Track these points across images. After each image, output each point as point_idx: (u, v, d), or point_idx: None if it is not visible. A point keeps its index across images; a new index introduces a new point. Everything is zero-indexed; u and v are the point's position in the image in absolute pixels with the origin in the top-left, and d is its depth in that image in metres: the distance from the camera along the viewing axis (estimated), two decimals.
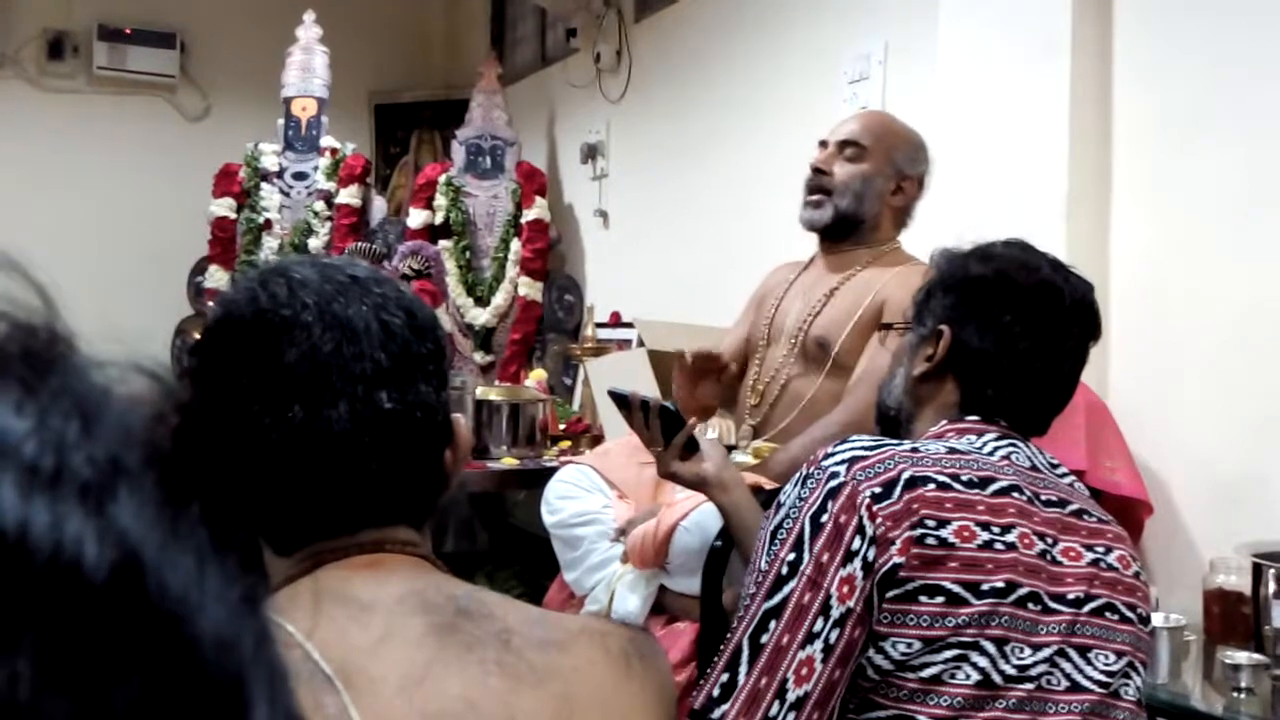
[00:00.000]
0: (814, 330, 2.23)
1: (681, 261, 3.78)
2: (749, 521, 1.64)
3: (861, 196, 2.21)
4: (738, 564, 1.83)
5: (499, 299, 4.40)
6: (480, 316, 4.41)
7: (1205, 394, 2.07)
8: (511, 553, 3.82)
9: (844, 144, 2.23)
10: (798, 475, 1.17)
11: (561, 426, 3.48)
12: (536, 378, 3.69)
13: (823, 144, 2.28)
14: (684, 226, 3.80)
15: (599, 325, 3.78)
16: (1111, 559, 1.19)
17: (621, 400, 1.78)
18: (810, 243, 2.34)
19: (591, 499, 2.28)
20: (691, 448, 1.71)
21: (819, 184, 2.23)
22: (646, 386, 2.68)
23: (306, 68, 4.56)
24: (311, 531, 0.81)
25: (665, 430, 1.72)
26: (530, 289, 4.36)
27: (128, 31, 4.97)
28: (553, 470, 2.54)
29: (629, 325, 3.78)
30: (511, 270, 4.39)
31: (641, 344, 3.25)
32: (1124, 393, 2.17)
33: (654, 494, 2.21)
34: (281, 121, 4.58)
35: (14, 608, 0.20)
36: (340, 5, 5.00)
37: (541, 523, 2.35)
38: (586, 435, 3.42)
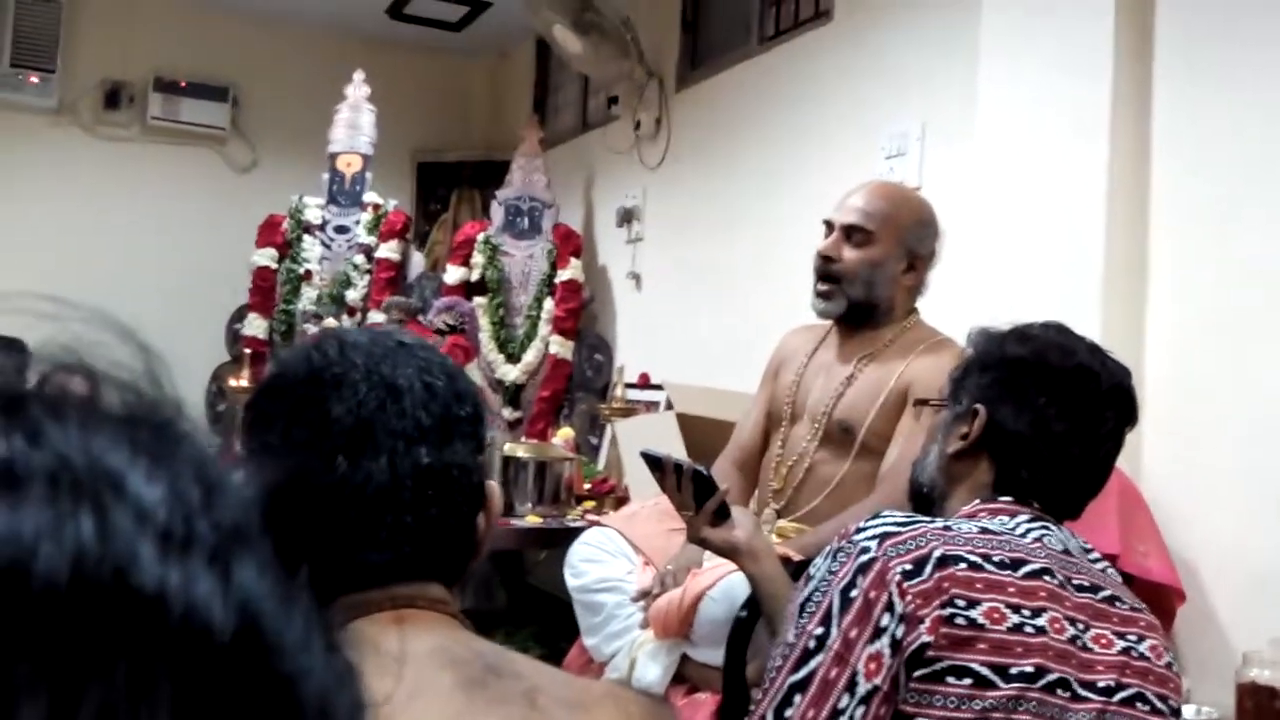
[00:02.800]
0: (837, 413, 2.17)
1: (712, 327, 3.80)
2: (778, 592, 1.63)
3: (873, 283, 2.15)
4: (763, 635, 1.82)
5: (530, 356, 4.43)
6: (510, 373, 4.44)
7: (1239, 481, 2.05)
8: (529, 613, 3.80)
9: (850, 229, 2.16)
10: (829, 549, 1.17)
11: (586, 486, 3.48)
12: (564, 436, 3.70)
13: (828, 224, 2.21)
14: (715, 292, 3.83)
15: (628, 386, 3.79)
16: (1144, 648, 1.18)
17: (654, 462, 1.78)
18: None
19: (615, 564, 2.27)
20: (723, 514, 1.71)
21: (827, 271, 2.17)
22: (675, 449, 2.69)
23: (354, 125, 4.66)
24: (346, 584, 0.83)
25: (697, 495, 1.71)
26: (561, 347, 4.39)
27: (182, 84, 5.11)
28: (576, 531, 2.54)
29: (658, 387, 3.79)
30: (544, 328, 4.43)
31: (670, 407, 3.26)
32: (1157, 478, 2.15)
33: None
34: (326, 176, 4.68)
35: (154, 661, 0.21)
36: (388, 65, 5.12)
37: (562, 584, 2.35)
38: (611, 496, 3.41)
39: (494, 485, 0.92)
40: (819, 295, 2.20)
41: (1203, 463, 2.12)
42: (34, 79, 4.85)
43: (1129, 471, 2.06)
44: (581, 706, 0.80)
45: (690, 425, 2.98)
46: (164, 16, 5.12)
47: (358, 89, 4.70)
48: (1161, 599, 1.93)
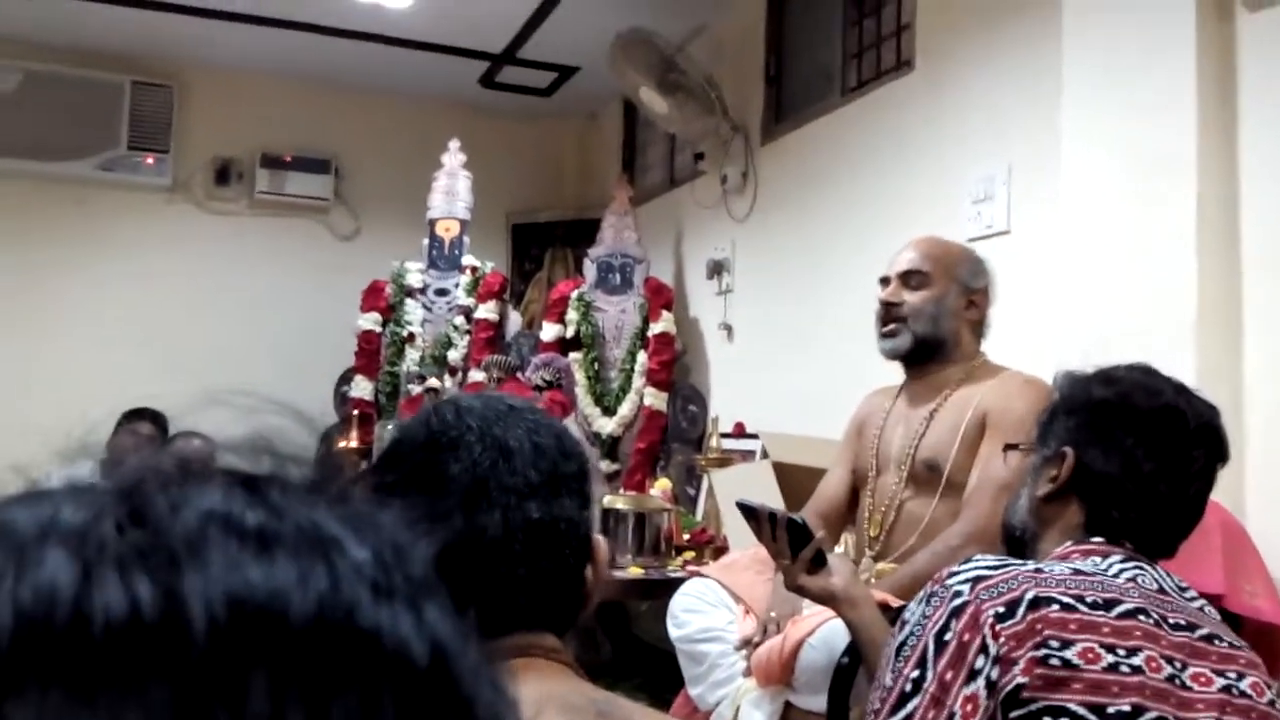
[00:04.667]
0: (921, 454, 2.25)
1: (804, 375, 3.83)
2: (877, 638, 1.65)
3: (936, 319, 2.27)
4: (865, 681, 1.83)
5: (625, 409, 4.51)
6: (607, 426, 4.51)
7: None
8: (634, 664, 3.84)
9: (906, 275, 2.30)
10: (922, 593, 1.20)
11: (685, 536, 3.52)
12: (662, 487, 3.75)
13: (884, 280, 2.35)
14: (806, 341, 3.86)
15: (723, 436, 3.83)
16: (1244, 685, 1.18)
17: (749, 512, 1.83)
18: None
19: (716, 614, 2.31)
20: (819, 562, 1.74)
21: (890, 316, 2.30)
22: (771, 498, 2.72)
23: (450, 191, 4.83)
24: None
25: (793, 543, 1.75)
26: (656, 399, 4.45)
27: (287, 159, 5.35)
28: (677, 581, 2.57)
29: (753, 436, 3.83)
30: (638, 381, 4.50)
31: (766, 455, 3.29)
32: (1262, 516, 2.11)
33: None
34: (426, 241, 4.84)
35: (378, 685, 0.28)
36: (482, 132, 5.30)
37: (664, 635, 2.39)
38: (710, 546, 3.44)
39: (601, 538, 0.97)
40: (884, 336, 2.33)
41: None
42: (149, 160, 5.13)
43: (1233, 509, 2.04)
44: None
45: (786, 473, 3.00)
46: (268, 96, 5.38)
47: (454, 156, 4.87)
48: (1272, 640, 1.89)
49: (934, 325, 2.27)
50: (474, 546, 0.88)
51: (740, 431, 3.99)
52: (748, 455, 3.78)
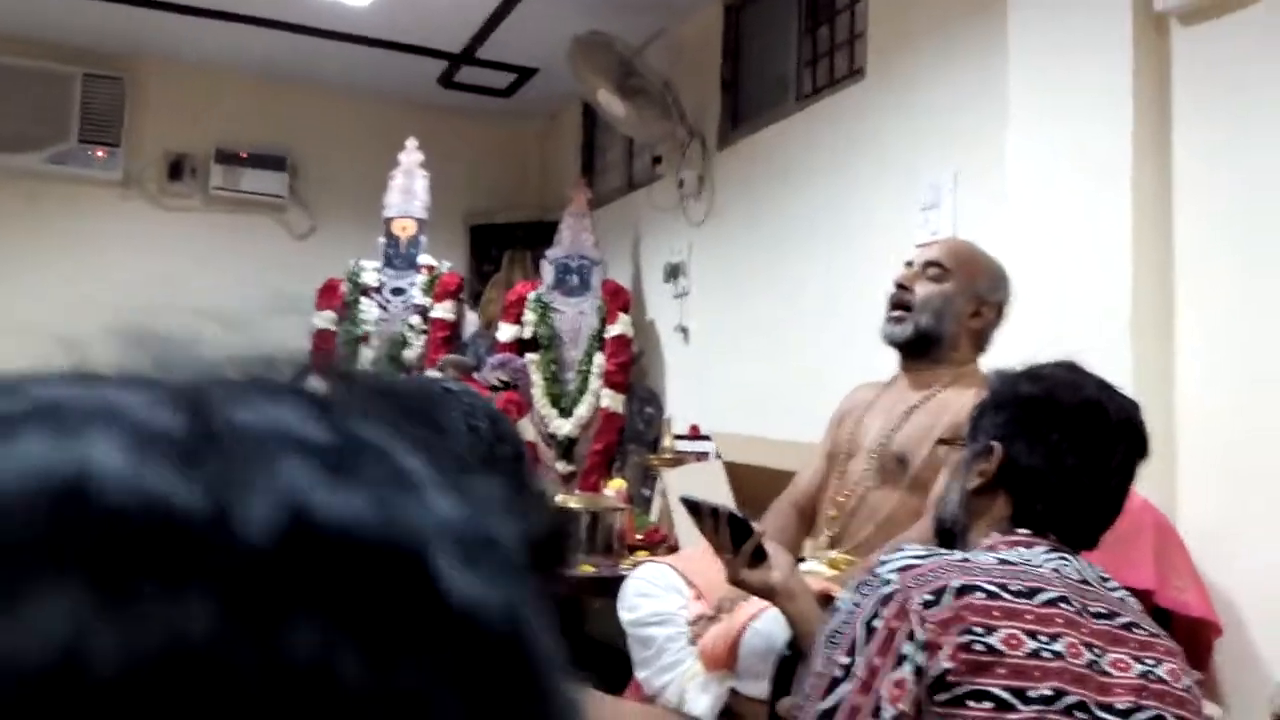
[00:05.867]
0: (893, 446, 2.26)
1: (758, 377, 3.87)
2: (814, 630, 1.68)
3: (940, 315, 2.26)
4: (805, 672, 1.87)
5: (582, 410, 4.52)
6: (564, 427, 4.53)
7: (1274, 515, 2.08)
8: (586, 663, 3.85)
9: (928, 264, 2.30)
10: (853, 582, 1.24)
11: (639, 536, 3.55)
12: (616, 487, 3.78)
13: (908, 264, 2.36)
14: (761, 343, 3.91)
15: (677, 437, 3.86)
16: (1161, 671, 1.22)
17: (693, 507, 1.86)
18: (886, 361, 2.41)
19: (668, 599, 2.33)
20: (759, 555, 1.77)
21: (900, 299, 2.30)
22: (723, 497, 2.76)
23: (407, 190, 4.83)
24: None
25: (734, 537, 1.78)
26: (612, 401, 4.48)
27: (242, 155, 5.32)
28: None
29: (706, 438, 3.86)
30: (595, 383, 4.52)
31: (719, 456, 3.33)
32: (1192, 514, 2.18)
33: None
34: (382, 240, 4.84)
35: (449, 648, 0.24)
36: (440, 132, 5.29)
37: (617, 632, 2.41)
38: (663, 545, 3.48)
39: None
40: (889, 320, 2.32)
41: (1237, 496, 2.14)
42: (100, 153, 5.07)
43: (1164, 509, 2.10)
44: None
45: (739, 473, 3.04)
46: (223, 91, 5.33)
47: (411, 155, 4.87)
48: (1199, 633, 1.95)
49: (936, 320, 2.26)
50: None
51: (695, 433, 4.03)
52: (702, 456, 3.81)
